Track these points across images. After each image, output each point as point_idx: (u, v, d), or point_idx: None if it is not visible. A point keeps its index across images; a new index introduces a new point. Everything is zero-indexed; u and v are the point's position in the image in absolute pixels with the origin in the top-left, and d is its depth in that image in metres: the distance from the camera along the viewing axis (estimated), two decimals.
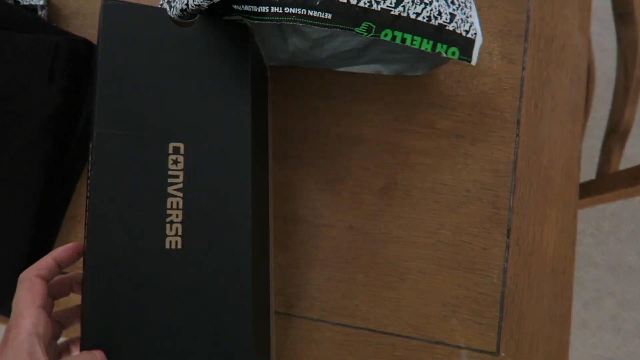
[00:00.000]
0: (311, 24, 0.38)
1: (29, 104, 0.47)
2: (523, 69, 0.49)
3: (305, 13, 0.38)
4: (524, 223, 0.46)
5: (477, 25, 0.43)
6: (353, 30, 0.39)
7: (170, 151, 0.37)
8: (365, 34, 0.39)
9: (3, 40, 0.48)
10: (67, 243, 0.50)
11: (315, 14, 0.38)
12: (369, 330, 0.45)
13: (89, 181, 0.35)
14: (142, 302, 0.34)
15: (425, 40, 0.40)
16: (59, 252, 0.35)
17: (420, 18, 0.40)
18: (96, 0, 0.55)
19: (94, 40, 0.52)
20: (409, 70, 0.49)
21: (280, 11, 0.39)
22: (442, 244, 0.46)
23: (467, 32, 0.42)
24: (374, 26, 0.39)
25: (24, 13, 0.50)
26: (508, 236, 0.46)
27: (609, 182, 0.53)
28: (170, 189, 0.36)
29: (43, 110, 0.47)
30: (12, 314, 0.32)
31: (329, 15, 0.38)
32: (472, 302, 0.45)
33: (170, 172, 0.36)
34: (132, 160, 0.35)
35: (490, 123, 0.48)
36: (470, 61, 0.41)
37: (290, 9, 0.38)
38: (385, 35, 0.39)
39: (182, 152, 0.37)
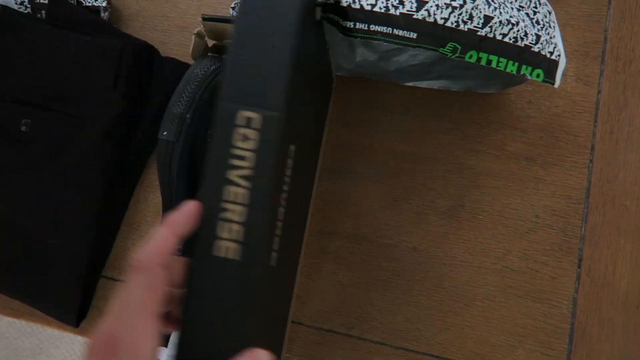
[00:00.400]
0: (396, 43, 0.37)
1: (93, 107, 0.46)
2: (599, 92, 0.47)
3: (390, 32, 0.37)
4: (596, 254, 0.44)
5: (560, 46, 0.41)
6: (437, 51, 0.37)
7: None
8: (450, 54, 0.38)
9: (69, 42, 0.47)
10: (125, 249, 0.50)
11: (400, 33, 0.37)
12: (433, 355, 0.43)
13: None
14: None
15: (511, 62, 0.39)
16: (179, 224, 0.26)
17: (506, 39, 0.38)
18: (158, 2, 0.54)
19: (155, 44, 0.52)
20: (479, 88, 0.48)
21: (365, 28, 0.37)
22: (509, 271, 0.45)
23: (552, 53, 0.40)
24: (459, 47, 0.38)
25: (87, 15, 0.50)
26: (579, 266, 0.44)
27: None
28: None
29: (106, 115, 0.46)
30: (122, 315, 0.25)
31: (413, 35, 0.37)
32: (539, 332, 0.43)
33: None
34: None
35: (562, 147, 0.46)
36: (553, 84, 0.40)
37: (376, 26, 0.37)
38: (470, 57, 0.38)
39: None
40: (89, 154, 0.46)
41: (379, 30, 0.37)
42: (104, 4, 0.51)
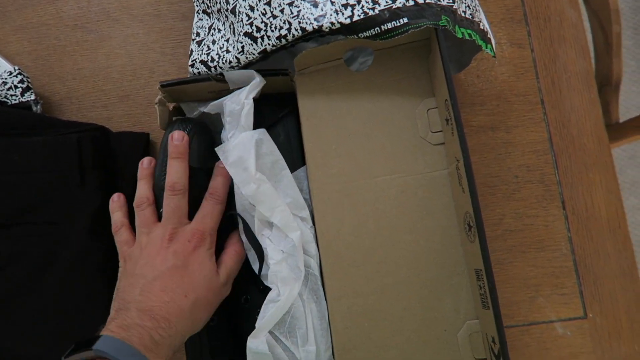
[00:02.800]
0: (394, 34, 0.36)
1: (67, 209, 0.43)
2: (532, 50, 0.52)
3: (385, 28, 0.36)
4: (574, 193, 0.49)
5: (487, 25, 0.44)
6: (438, 25, 0.36)
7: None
8: (448, 26, 0.37)
9: (13, 149, 0.43)
10: None
11: (390, 25, 0.35)
12: None
13: None
14: None
15: (479, 37, 0.40)
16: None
17: (468, 16, 0.40)
18: (87, 79, 0.51)
19: (100, 122, 0.49)
20: None
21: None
22: (509, 232, 0.49)
23: (489, 32, 0.43)
24: (449, 20, 0.37)
25: (21, 114, 0.46)
26: (564, 208, 0.49)
27: (616, 133, 0.59)
28: None
29: (84, 214, 0.43)
30: (202, 217, 0.39)
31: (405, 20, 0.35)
32: (550, 277, 0.48)
33: None
34: None
35: (518, 109, 0.51)
36: (494, 55, 0.43)
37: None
38: (456, 32, 0.38)
39: None
40: (78, 259, 0.43)
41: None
42: (33, 97, 0.47)
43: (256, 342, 0.34)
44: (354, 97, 0.41)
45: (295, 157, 0.42)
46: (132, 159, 0.46)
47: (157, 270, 0.36)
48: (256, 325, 0.34)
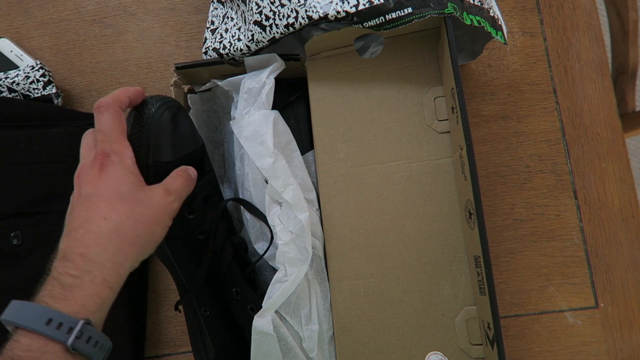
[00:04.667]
0: (399, 24, 0.36)
1: None
2: (544, 39, 0.51)
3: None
4: (586, 182, 0.49)
5: (499, 12, 0.44)
6: (443, 13, 0.37)
7: None
8: (455, 12, 0.37)
9: (35, 140, 0.45)
10: (158, 324, 0.49)
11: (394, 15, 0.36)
12: None
13: None
14: None
15: (488, 24, 0.40)
16: (132, 93, 0.36)
17: (477, 3, 0.40)
18: (105, 72, 0.53)
19: None
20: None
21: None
22: (519, 222, 0.49)
23: (499, 19, 0.43)
24: (456, 7, 0.38)
25: (39, 107, 0.48)
26: (576, 197, 0.49)
27: (632, 122, 0.58)
28: None
29: None
30: (103, 137, 0.34)
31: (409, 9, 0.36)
32: (561, 266, 0.48)
33: None
34: None
35: (529, 98, 0.50)
36: (506, 43, 0.42)
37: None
38: (464, 18, 0.38)
39: None
40: None
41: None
42: (54, 91, 0.49)
43: (262, 322, 0.35)
44: (363, 84, 0.42)
45: (303, 141, 0.43)
46: None
47: (72, 205, 0.33)
48: (263, 304, 0.35)
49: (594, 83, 0.51)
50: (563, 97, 0.51)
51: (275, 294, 0.35)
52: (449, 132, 0.40)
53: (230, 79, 0.42)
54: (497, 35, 0.41)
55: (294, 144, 0.41)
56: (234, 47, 0.42)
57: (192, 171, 0.37)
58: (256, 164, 0.38)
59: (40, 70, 0.49)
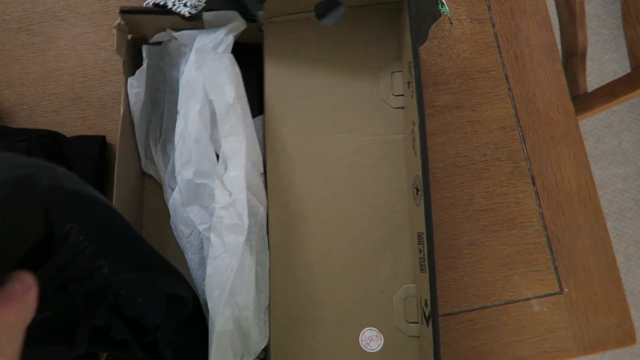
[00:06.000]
0: None
1: None
2: (493, 25, 0.51)
3: None
4: (543, 167, 0.49)
5: None
6: None
7: None
8: None
9: None
10: None
11: None
12: (445, 315, 0.46)
13: None
14: None
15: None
16: None
17: None
18: (36, 82, 0.49)
19: (53, 127, 0.47)
20: None
21: None
22: (479, 212, 0.48)
23: None
24: None
25: None
26: (534, 183, 0.48)
27: (585, 104, 0.58)
28: None
29: None
30: None
31: None
32: (524, 254, 0.47)
33: None
34: None
35: (482, 85, 0.50)
36: (449, 16, 0.42)
37: None
38: None
39: None
40: None
41: None
42: None
43: (221, 320, 0.33)
44: (321, 52, 0.41)
45: (254, 105, 0.41)
46: (88, 163, 0.45)
47: None
48: (207, 299, 0.32)
49: (544, 67, 0.51)
50: (515, 82, 0.50)
51: (216, 281, 0.32)
52: (403, 107, 0.39)
53: (186, 31, 0.40)
54: (442, 8, 0.40)
55: (247, 104, 0.39)
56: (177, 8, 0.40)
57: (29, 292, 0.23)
58: (211, 99, 0.35)
59: None
